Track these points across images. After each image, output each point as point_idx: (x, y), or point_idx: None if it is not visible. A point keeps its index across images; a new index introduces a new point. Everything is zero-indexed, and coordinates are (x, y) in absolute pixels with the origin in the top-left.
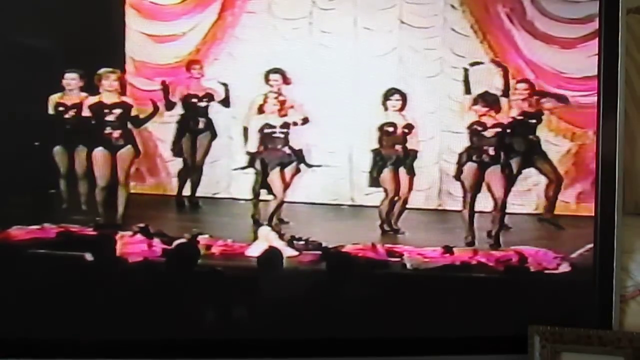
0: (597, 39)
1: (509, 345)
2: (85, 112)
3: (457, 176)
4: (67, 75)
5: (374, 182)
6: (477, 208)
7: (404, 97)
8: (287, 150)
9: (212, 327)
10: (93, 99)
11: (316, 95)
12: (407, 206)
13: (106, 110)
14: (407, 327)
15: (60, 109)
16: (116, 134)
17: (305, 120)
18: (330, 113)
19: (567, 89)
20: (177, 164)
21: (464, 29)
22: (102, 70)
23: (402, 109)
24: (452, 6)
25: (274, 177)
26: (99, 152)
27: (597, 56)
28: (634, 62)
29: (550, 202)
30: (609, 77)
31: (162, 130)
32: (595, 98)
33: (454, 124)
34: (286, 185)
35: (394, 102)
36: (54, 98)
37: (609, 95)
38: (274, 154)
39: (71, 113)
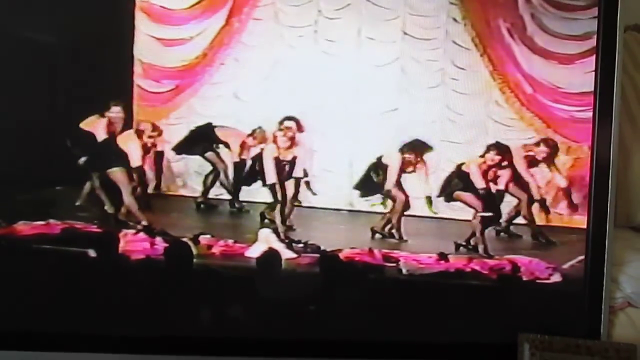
0: (594, 55)
1: (499, 352)
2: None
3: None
4: (114, 109)
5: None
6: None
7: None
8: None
9: (210, 325)
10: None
11: (319, 101)
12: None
13: None
14: (401, 331)
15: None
16: None
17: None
18: (332, 119)
19: (564, 104)
20: (181, 165)
21: (465, 42)
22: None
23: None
24: (454, 19)
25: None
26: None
27: (594, 72)
28: (630, 79)
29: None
30: (605, 93)
31: (168, 132)
32: (591, 113)
33: (453, 134)
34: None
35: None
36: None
37: (605, 111)
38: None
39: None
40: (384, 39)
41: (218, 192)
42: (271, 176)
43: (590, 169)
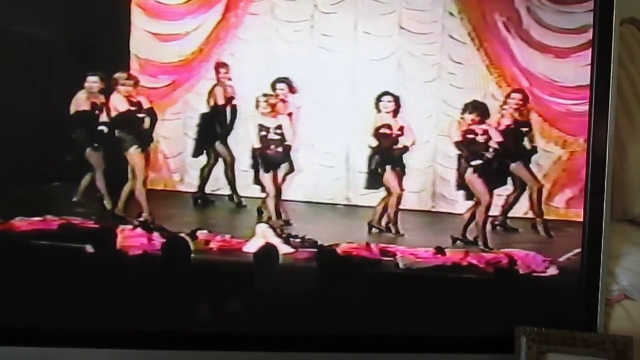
0: (590, 49)
1: (497, 345)
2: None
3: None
4: (90, 79)
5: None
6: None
7: (396, 100)
8: (280, 149)
9: (208, 320)
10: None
11: (315, 96)
12: (400, 207)
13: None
14: (398, 324)
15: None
16: None
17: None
18: (329, 114)
19: (560, 97)
20: (178, 161)
21: (461, 36)
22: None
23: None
24: (451, 13)
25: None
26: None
27: (590, 66)
28: (626, 72)
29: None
30: (601, 86)
31: (164, 127)
32: (587, 107)
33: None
34: (279, 184)
35: (386, 103)
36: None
37: (601, 104)
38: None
39: (104, 114)
40: (380, 33)
41: (215, 186)
42: (254, 140)
43: (587, 162)
